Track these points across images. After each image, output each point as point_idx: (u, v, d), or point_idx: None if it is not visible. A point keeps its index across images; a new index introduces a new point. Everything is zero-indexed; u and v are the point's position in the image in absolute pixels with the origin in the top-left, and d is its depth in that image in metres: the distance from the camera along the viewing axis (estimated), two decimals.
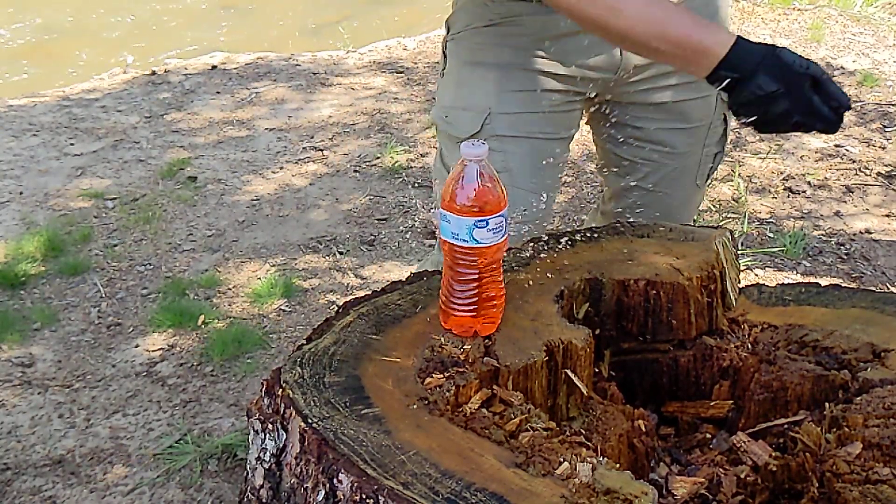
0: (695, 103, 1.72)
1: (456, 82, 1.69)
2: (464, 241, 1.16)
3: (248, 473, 1.16)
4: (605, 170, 1.86)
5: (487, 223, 1.15)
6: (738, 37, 1.34)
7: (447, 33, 1.71)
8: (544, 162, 1.70)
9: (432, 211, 1.87)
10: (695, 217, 1.92)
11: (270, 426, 1.10)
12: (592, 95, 1.68)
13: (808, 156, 3.80)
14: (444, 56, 1.72)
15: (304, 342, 1.20)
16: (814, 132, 1.39)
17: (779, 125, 1.37)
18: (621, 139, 1.76)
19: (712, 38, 1.34)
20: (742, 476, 1.08)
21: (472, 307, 1.19)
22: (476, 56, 1.66)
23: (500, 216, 1.16)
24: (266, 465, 1.11)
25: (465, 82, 1.67)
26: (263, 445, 1.11)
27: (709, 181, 1.87)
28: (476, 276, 1.18)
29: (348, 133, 4.10)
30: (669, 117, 1.72)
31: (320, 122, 4.22)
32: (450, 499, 0.91)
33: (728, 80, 1.34)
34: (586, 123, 1.85)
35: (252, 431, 1.14)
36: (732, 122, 1.64)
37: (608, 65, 1.63)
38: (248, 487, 1.15)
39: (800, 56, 1.35)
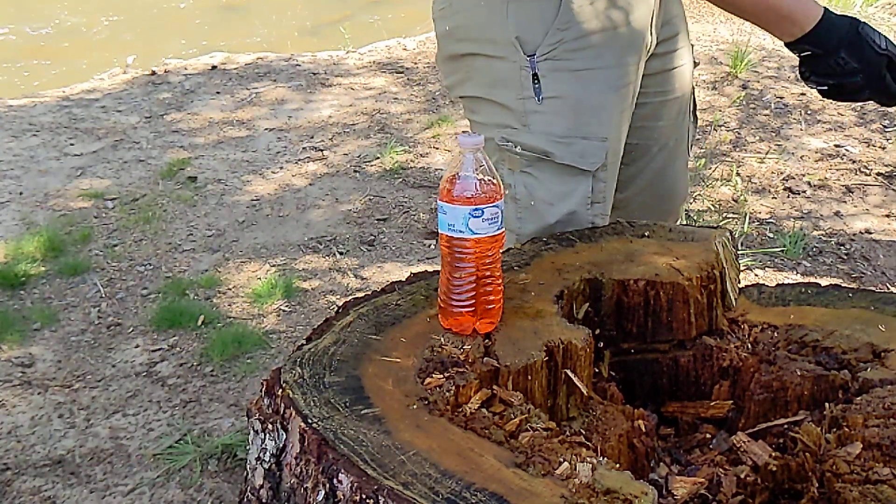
0: (685, 69, 1.74)
1: (572, 109, 1.55)
2: (460, 231, 1.16)
3: (248, 473, 1.16)
4: None
5: (483, 213, 1.16)
6: (825, 10, 1.43)
7: (525, 53, 1.53)
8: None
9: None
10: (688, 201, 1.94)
11: (270, 426, 1.10)
12: None
13: (808, 156, 3.80)
14: (535, 78, 1.54)
15: (304, 342, 1.20)
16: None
17: (849, 97, 1.49)
18: (631, 126, 1.73)
19: (801, 11, 1.44)
20: (742, 476, 1.08)
21: (469, 304, 1.19)
22: (585, 79, 1.54)
23: (495, 206, 1.16)
24: (266, 465, 1.11)
25: (582, 109, 1.55)
26: (263, 445, 1.11)
27: (690, 151, 1.89)
28: (473, 271, 1.18)
29: (348, 133, 4.10)
30: (665, 88, 1.72)
31: (320, 123, 4.22)
32: (450, 499, 0.91)
33: (807, 53, 1.46)
34: None
35: (252, 431, 1.14)
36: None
37: (648, 51, 1.62)
38: (248, 487, 1.15)
39: (879, 34, 1.46)
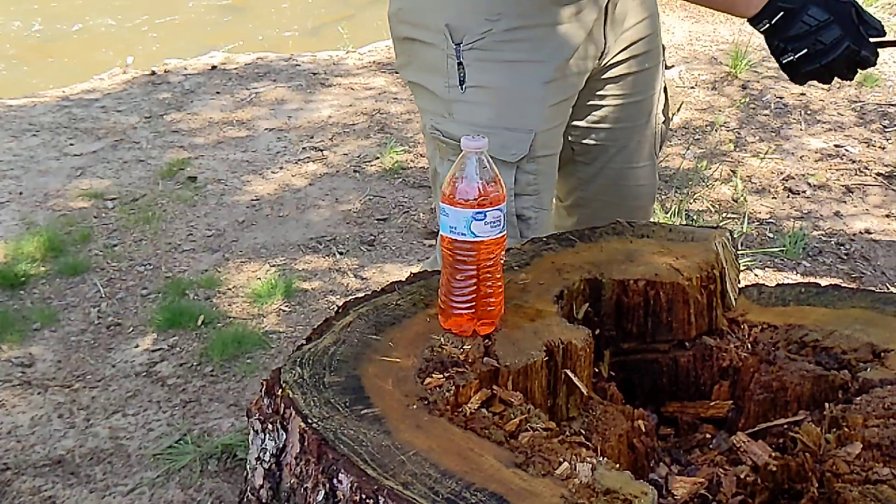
0: (650, 72, 1.73)
1: (497, 100, 1.55)
2: (462, 234, 1.16)
3: (247, 473, 1.16)
4: (567, 164, 1.81)
5: (485, 216, 1.15)
6: None
7: (456, 42, 1.53)
8: (555, 178, 1.67)
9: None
10: (656, 196, 1.92)
11: (270, 426, 1.10)
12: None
13: (808, 156, 3.80)
14: (461, 67, 1.54)
15: (304, 342, 1.20)
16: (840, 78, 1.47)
17: (830, 54, 1.44)
18: (586, 126, 1.74)
19: None
20: (742, 476, 1.08)
21: (469, 306, 1.19)
22: (514, 70, 1.54)
23: (498, 210, 1.16)
24: (266, 465, 1.10)
25: (508, 100, 1.55)
26: (263, 445, 1.11)
27: (660, 152, 1.88)
28: (474, 273, 1.18)
29: (348, 133, 4.10)
30: (626, 91, 1.71)
31: (320, 123, 4.22)
32: (450, 499, 0.91)
33: (780, 14, 1.42)
34: None
35: (252, 431, 1.14)
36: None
37: (598, 52, 1.61)
38: (248, 487, 1.15)
39: None
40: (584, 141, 1.75)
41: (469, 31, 1.53)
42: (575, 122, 1.73)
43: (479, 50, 1.53)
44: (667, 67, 1.83)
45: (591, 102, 1.71)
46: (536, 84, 1.55)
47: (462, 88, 1.55)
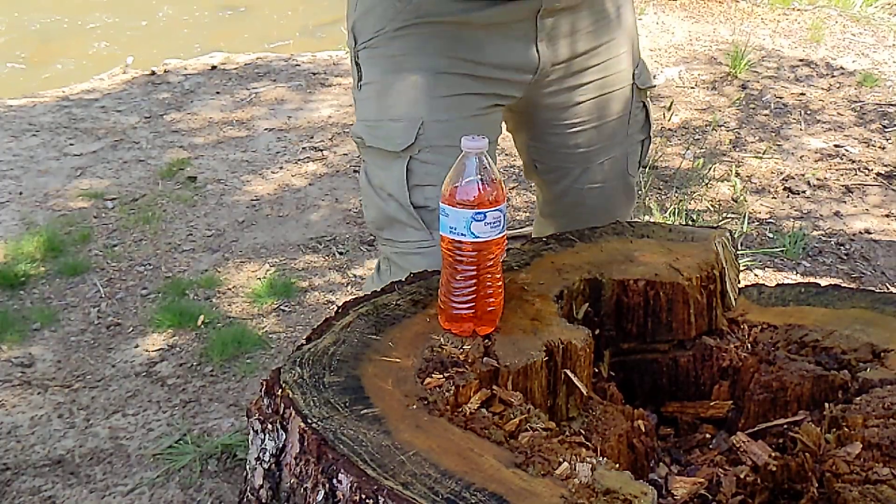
0: (611, 96, 1.70)
1: (380, 93, 1.57)
2: (461, 235, 1.16)
3: (247, 473, 1.16)
4: (536, 179, 1.83)
5: (485, 216, 1.15)
6: None
7: (356, 43, 1.59)
8: None
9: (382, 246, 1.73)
10: (634, 208, 1.90)
11: (270, 426, 1.10)
12: (517, 100, 1.63)
13: (808, 156, 3.80)
14: (358, 67, 1.59)
15: (304, 342, 1.20)
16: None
17: None
18: (548, 149, 1.74)
19: None
20: (742, 476, 1.08)
21: (470, 306, 1.19)
22: (398, 64, 1.55)
23: (498, 210, 1.16)
24: (266, 466, 1.10)
25: (390, 92, 1.56)
26: (263, 445, 1.11)
27: (640, 170, 1.86)
28: (474, 273, 1.18)
29: (348, 133, 4.10)
30: (590, 116, 1.70)
31: (320, 123, 4.22)
32: (449, 499, 0.91)
33: None
34: (511, 133, 1.80)
35: (252, 431, 1.14)
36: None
37: (526, 65, 1.58)
38: (248, 487, 1.15)
39: None
40: (545, 161, 1.76)
41: (366, 31, 1.57)
42: (533, 143, 1.75)
43: (370, 48, 1.57)
44: (651, 87, 1.80)
45: (546, 129, 1.71)
46: (419, 73, 1.54)
47: (359, 87, 1.61)
